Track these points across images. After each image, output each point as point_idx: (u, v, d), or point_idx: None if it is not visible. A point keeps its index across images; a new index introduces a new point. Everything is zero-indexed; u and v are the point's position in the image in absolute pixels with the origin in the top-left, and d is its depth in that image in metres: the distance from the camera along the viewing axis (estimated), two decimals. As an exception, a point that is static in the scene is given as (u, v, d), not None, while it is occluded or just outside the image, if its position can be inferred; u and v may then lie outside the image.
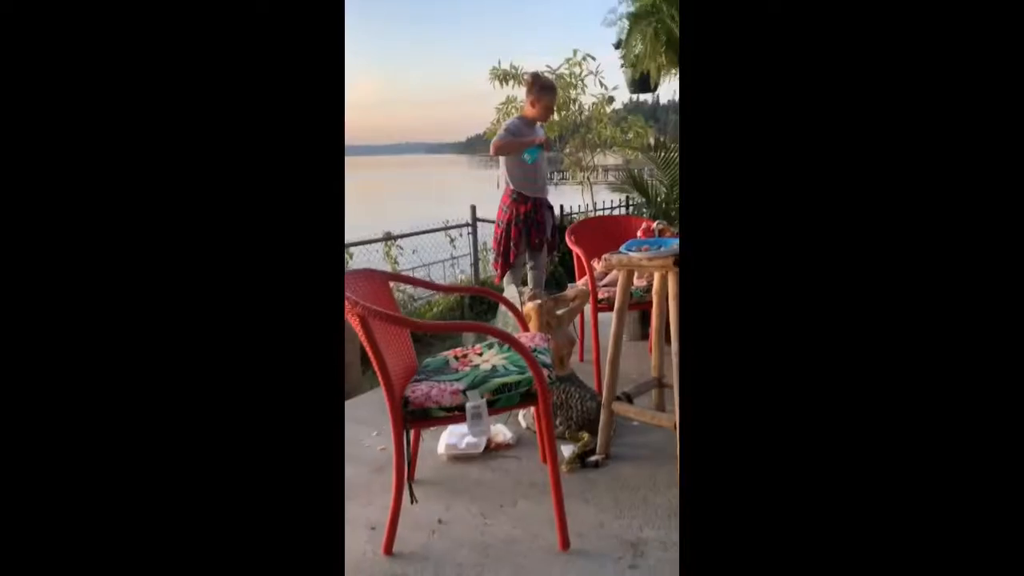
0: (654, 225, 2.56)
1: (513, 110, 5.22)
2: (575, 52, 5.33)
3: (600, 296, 2.58)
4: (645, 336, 3.12)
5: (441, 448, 2.00)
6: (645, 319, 3.11)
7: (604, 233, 2.88)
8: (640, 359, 2.74)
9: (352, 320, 1.40)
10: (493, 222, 3.56)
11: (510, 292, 2.80)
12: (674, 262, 1.73)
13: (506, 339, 1.55)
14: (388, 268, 4.66)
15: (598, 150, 5.94)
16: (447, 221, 5.32)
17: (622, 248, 1.94)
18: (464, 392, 1.49)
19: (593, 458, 1.89)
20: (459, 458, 1.98)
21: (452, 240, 5.31)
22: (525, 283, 3.19)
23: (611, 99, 5.61)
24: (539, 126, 3.17)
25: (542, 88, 3.03)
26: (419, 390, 1.50)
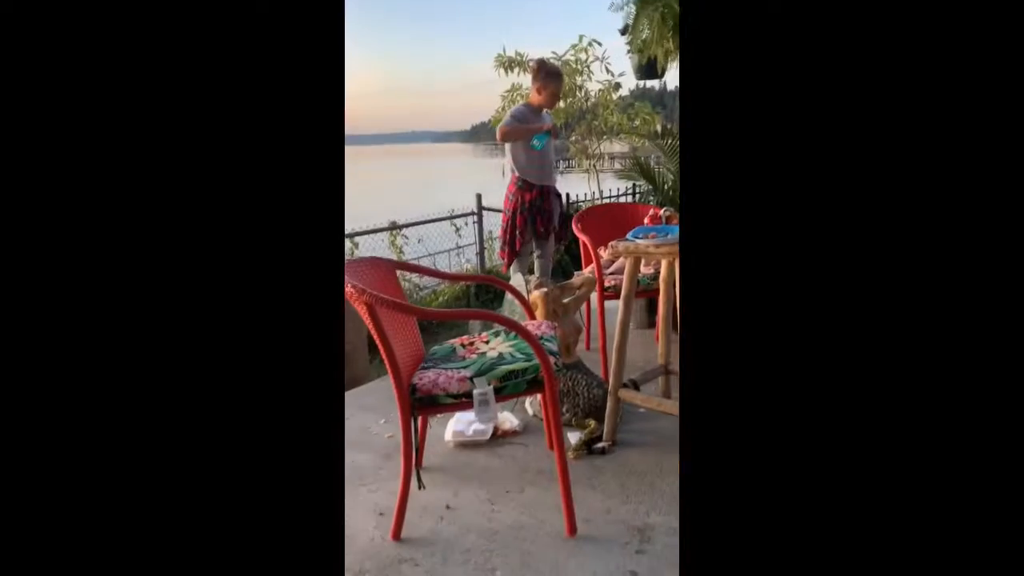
0: (661, 212, 2.55)
1: (519, 98, 5.19)
2: (581, 38, 5.29)
3: (607, 284, 2.58)
4: (652, 324, 3.13)
5: (448, 435, 2.02)
6: (652, 307, 3.12)
7: (611, 220, 2.87)
8: (647, 347, 2.75)
9: (359, 308, 1.41)
10: (499, 211, 3.56)
11: (516, 280, 2.81)
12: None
13: (512, 327, 1.56)
14: (394, 257, 4.68)
15: (604, 137, 5.90)
16: (452, 210, 5.32)
17: (629, 235, 1.94)
18: (471, 379, 1.50)
19: (600, 445, 1.90)
20: (466, 445, 2.00)
21: (458, 229, 5.32)
22: (532, 271, 3.19)
23: (618, 86, 5.57)
24: (546, 113, 3.16)
25: (548, 75, 3.02)
26: (426, 377, 1.52)
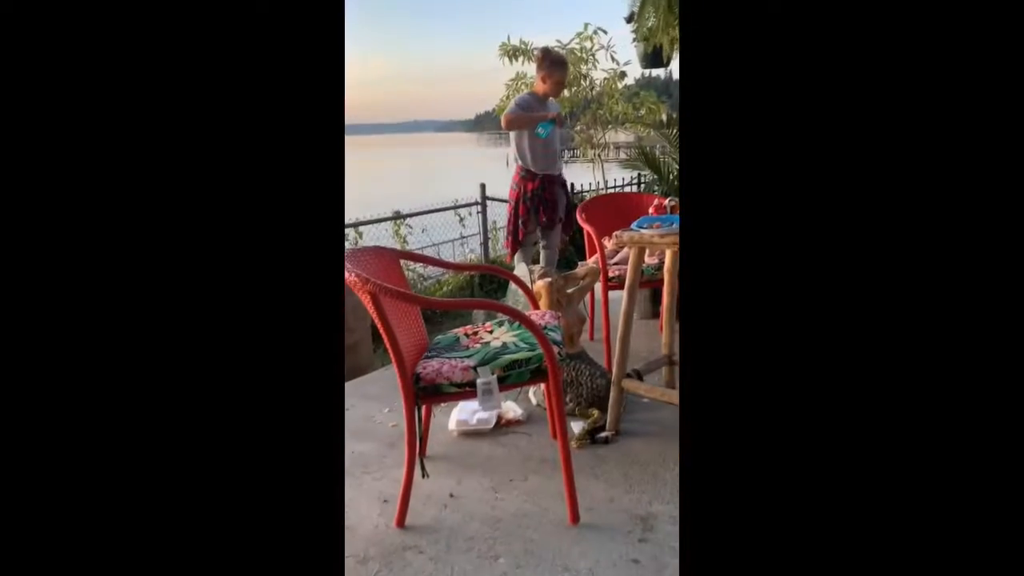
0: (666, 202, 2.55)
1: (523, 86, 5.17)
2: (586, 26, 5.27)
3: (611, 274, 2.58)
4: (656, 314, 3.13)
5: (452, 424, 2.04)
6: (656, 297, 3.12)
7: (615, 210, 2.87)
8: (651, 337, 2.75)
9: (363, 297, 1.42)
10: (503, 201, 3.56)
11: (521, 270, 2.82)
12: (685, 239, 1.73)
13: (516, 316, 1.57)
14: (397, 247, 4.68)
15: (609, 127, 5.88)
16: (456, 200, 5.32)
17: (633, 225, 1.94)
18: (475, 368, 1.51)
19: (603, 434, 1.91)
20: (470, 434, 2.01)
21: (462, 219, 5.31)
22: (537, 261, 3.20)
23: (623, 74, 5.55)
24: (553, 102, 3.14)
25: (553, 63, 3.01)
26: (430, 367, 1.53)
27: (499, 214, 4.68)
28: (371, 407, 2.25)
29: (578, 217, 2.79)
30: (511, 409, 2.11)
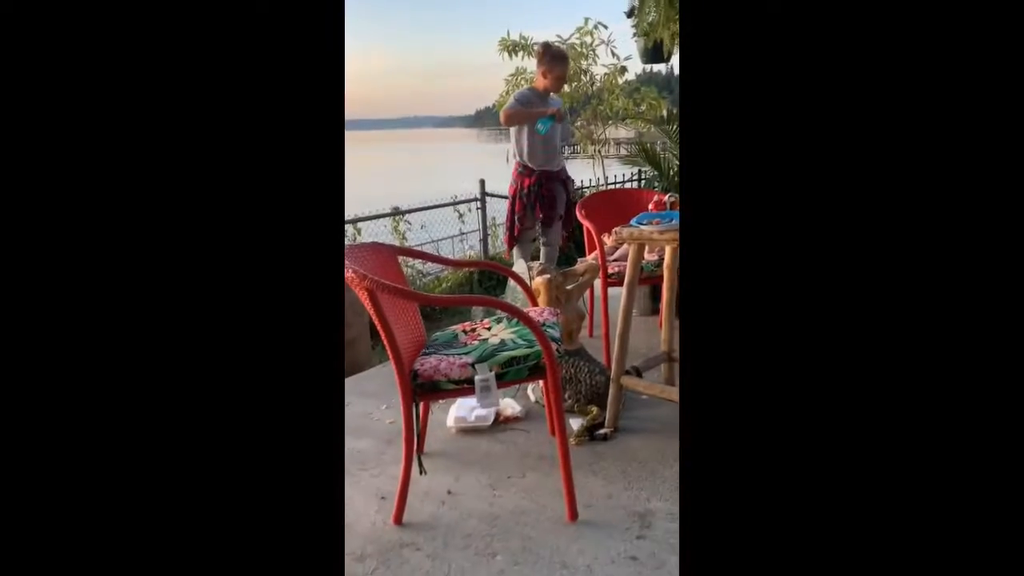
0: (666, 198, 2.55)
1: (523, 82, 5.17)
2: (586, 21, 5.26)
3: (610, 271, 2.59)
4: (655, 311, 3.13)
5: (450, 421, 2.04)
6: (656, 294, 3.12)
7: (615, 206, 2.87)
8: (650, 334, 2.76)
9: (360, 293, 1.42)
10: (503, 197, 3.56)
11: (519, 267, 2.82)
12: (685, 235, 1.73)
13: (515, 313, 1.57)
14: (396, 243, 4.69)
15: (610, 122, 5.88)
16: (455, 196, 5.31)
17: (633, 221, 1.94)
18: (472, 365, 1.51)
19: (602, 431, 1.92)
20: (468, 431, 2.02)
21: (461, 215, 5.31)
22: (538, 258, 3.20)
23: (623, 69, 5.54)
24: (554, 97, 3.14)
25: (553, 58, 3.00)
26: (428, 363, 1.53)
27: (499, 210, 4.67)
28: (369, 404, 2.25)
29: (577, 213, 2.79)
30: (509, 406, 2.11)
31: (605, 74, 5.55)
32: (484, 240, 5.33)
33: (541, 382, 1.89)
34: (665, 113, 5.73)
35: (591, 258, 2.63)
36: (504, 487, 1.69)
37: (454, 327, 1.85)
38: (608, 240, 2.59)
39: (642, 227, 1.88)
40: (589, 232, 2.71)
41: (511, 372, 1.53)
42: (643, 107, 5.72)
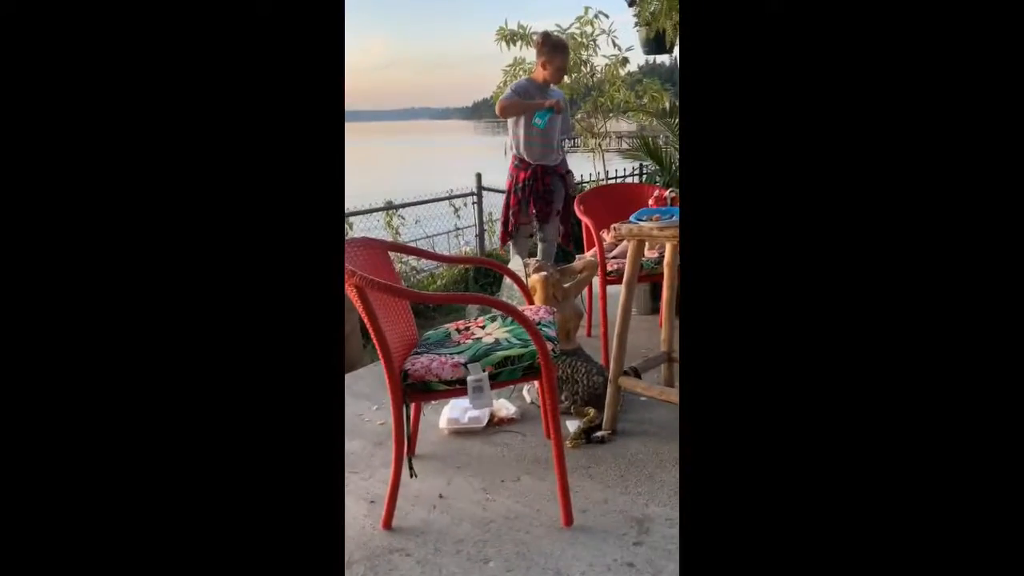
0: (666, 193, 2.55)
1: (521, 72, 5.14)
2: (586, 10, 5.23)
3: (609, 268, 2.58)
4: (655, 310, 3.13)
5: (443, 422, 2.04)
6: (656, 292, 3.12)
7: (614, 202, 2.87)
8: (650, 333, 2.75)
9: (349, 290, 1.42)
10: (499, 191, 3.55)
11: (516, 264, 2.81)
12: (685, 232, 1.73)
13: (509, 311, 1.56)
14: (389, 239, 4.67)
15: (611, 115, 5.86)
16: (451, 190, 5.30)
17: (632, 218, 1.94)
18: (465, 365, 1.51)
19: (599, 434, 1.91)
20: (461, 433, 2.01)
21: (457, 210, 5.29)
22: (535, 255, 3.19)
23: (625, 60, 5.51)
24: (554, 88, 3.12)
25: (553, 48, 2.98)
26: (419, 363, 1.52)
27: (496, 205, 4.66)
28: (359, 404, 2.25)
29: (576, 209, 2.78)
30: (504, 407, 2.11)
31: (606, 65, 5.53)
32: (480, 236, 5.31)
33: (537, 383, 1.88)
34: (668, 106, 5.72)
35: (590, 255, 2.62)
36: (497, 491, 1.69)
37: (447, 325, 1.84)
38: (607, 237, 2.59)
39: (641, 223, 1.87)
40: (588, 228, 2.71)
41: (505, 372, 1.53)
42: (645, 99, 5.70)
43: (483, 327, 1.77)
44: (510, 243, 3.16)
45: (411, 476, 1.67)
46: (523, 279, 2.09)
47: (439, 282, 4.63)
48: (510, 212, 3.07)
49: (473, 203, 5.30)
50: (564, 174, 3.18)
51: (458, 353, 1.57)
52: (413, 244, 4.67)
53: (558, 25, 5.18)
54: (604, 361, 2.43)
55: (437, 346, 1.66)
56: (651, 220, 1.88)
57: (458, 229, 5.36)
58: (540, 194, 3.04)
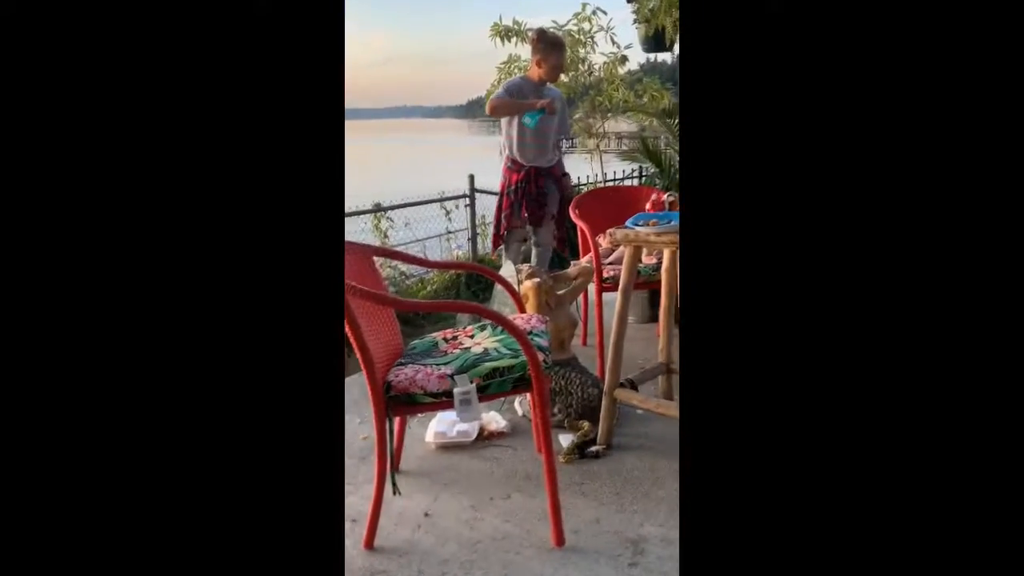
0: (664, 197, 2.54)
1: (516, 70, 5.14)
2: (584, 6, 5.24)
3: (605, 275, 2.57)
4: (653, 318, 3.11)
5: (430, 436, 2.01)
6: (654, 300, 3.10)
7: (611, 205, 2.85)
8: (648, 343, 2.74)
9: (330, 297, 1.40)
10: (493, 193, 3.54)
11: (507, 270, 2.80)
12: (684, 238, 1.72)
13: (497, 320, 1.54)
14: (377, 243, 4.65)
15: (609, 115, 5.86)
16: (443, 192, 5.28)
17: (628, 222, 1.92)
18: (451, 377, 1.49)
19: (593, 448, 1.89)
20: (448, 447, 1.99)
21: (448, 213, 5.27)
22: (529, 260, 3.17)
23: (624, 58, 5.52)
24: (550, 87, 3.11)
25: (549, 45, 2.97)
26: (403, 374, 1.50)
27: (489, 208, 4.65)
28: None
29: (571, 213, 2.76)
30: (494, 420, 2.08)
31: (604, 63, 5.54)
32: (473, 239, 5.29)
33: (529, 395, 1.86)
34: (668, 105, 5.72)
35: (585, 261, 2.61)
36: (486, 509, 1.66)
37: (434, 335, 1.82)
38: (603, 242, 2.57)
39: (638, 228, 1.86)
40: (583, 233, 2.69)
41: (494, 385, 1.51)
42: (645, 99, 5.70)
43: (472, 336, 1.75)
44: (502, 248, 3.15)
45: (395, 493, 1.64)
46: (515, 286, 2.07)
47: (429, 288, 4.60)
48: (502, 215, 3.06)
49: (466, 205, 5.27)
50: (561, 176, 3.16)
51: (445, 364, 1.55)
52: (404, 248, 4.64)
53: (555, 21, 5.19)
54: (599, 372, 2.42)
55: (423, 356, 1.64)
56: (648, 225, 1.87)
57: (450, 232, 5.34)
58: (533, 197, 3.03)
